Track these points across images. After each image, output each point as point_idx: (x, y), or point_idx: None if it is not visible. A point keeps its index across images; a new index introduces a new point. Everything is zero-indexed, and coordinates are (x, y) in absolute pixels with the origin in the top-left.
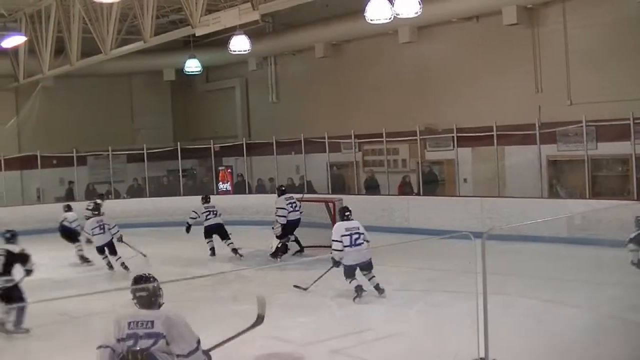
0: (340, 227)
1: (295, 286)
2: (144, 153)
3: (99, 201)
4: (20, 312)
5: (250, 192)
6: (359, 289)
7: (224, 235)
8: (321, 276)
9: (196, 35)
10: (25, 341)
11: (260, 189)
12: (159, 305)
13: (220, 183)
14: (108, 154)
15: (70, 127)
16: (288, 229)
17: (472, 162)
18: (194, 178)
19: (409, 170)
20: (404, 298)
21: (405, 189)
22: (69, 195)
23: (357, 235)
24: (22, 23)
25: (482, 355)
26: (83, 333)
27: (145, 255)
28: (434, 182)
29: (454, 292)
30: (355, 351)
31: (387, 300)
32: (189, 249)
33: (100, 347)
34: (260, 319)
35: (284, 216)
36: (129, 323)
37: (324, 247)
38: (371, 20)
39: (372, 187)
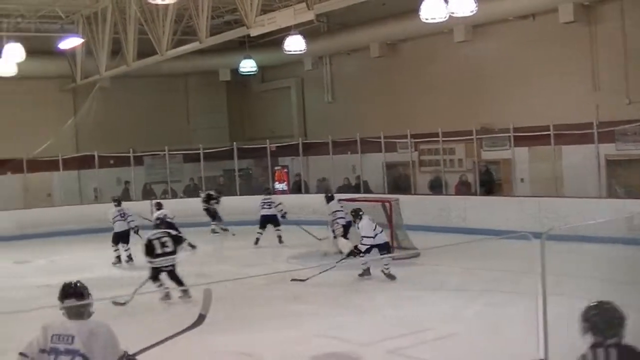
0: (368, 223)
1: (294, 279)
2: (200, 153)
3: (212, 192)
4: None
5: (307, 192)
6: (367, 271)
7: (276, 224)
8: (324, 271)
9: (251, 35)
10: None
11: (321, 189)
12: (89, 315)
13: (277, 183)
14: (165, 154)
15: (127, 128)
16: (346, 229)
17: (529, 161)
18: (250, 178)
19: (465, 170)
20: (461, 298)
21: (462, 188)
22: (125, 195)
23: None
24: (79, 25)
25: (542, 356)
26: (137, 330)
27: None
28: (490, 182)
29: (512, 292)
30: (412, 351)
31: (445, 301)
32: (245, 248)
33: (21, 354)
34: (201, 318)
35: (343, 217)
36: (52, 336)
37: None
38: (426, 19)
39: (437, 187)
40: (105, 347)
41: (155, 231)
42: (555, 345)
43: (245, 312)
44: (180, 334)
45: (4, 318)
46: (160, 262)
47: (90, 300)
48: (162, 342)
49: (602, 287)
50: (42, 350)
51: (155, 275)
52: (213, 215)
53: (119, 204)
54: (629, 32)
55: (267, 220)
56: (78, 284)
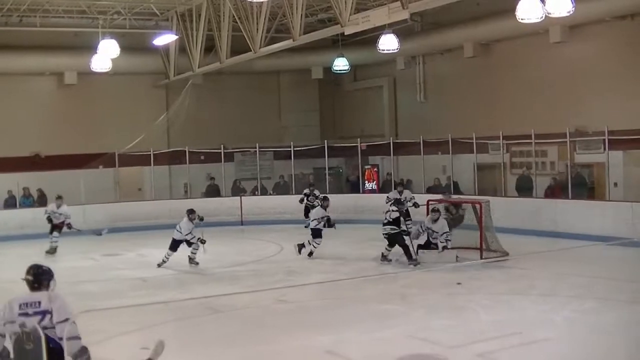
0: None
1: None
2: (290, 150)
3: (307, 191)
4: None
5: None
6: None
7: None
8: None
9: (345, 34)
10: (170, 334)
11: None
12: (47, 289)
13: (367, 182)
14: (255, 151)
15: (218, 124)
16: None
17: (623, 165)
18: (340, 176)
19: (557, 173)
20: (551, 303)
21: (550, 192)
22: (213, 191)
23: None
24: (174, 22)
25: None
26: (225, 327)
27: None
28: (582, 186)
29: (605, 299)
30: (501, 356)
31: (534, 305)
32: (334, 248)
33: None
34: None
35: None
36: (20, 305)
37: (472, 248)
38: (522, 19)
39: (525, 189)
40: (61, 306)
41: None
42: None
43: (336, 311)
44: None
45: (91, 312)
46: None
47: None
48: None
49: None
50: (11, 322)
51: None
52: (306, 213)
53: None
54: None
55: None
56: (41, 265)
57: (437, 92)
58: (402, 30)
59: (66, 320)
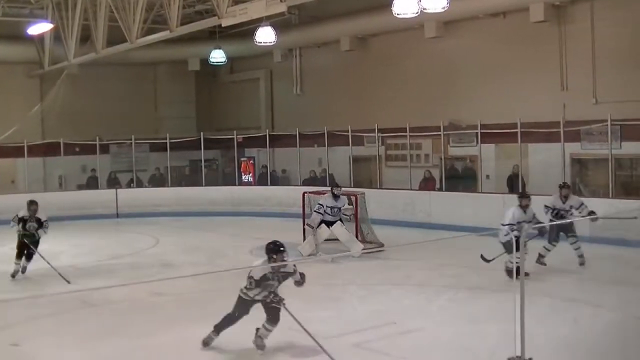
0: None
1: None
2: (166, 142)
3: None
4: None
5: (273, 184)
6: None
7: None
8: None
9: (222, 25)
10: (43, 329)
11: (285, 181)
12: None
13: (243, 174)
14: (131, 143)
15: (94, 115)
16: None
17: (495, 158)
18: (216, 169)
19: (431, 166)
20: (425, 293)
21: (425, 184)
22: (93, 183)
23: None
24: (49, 10)
25: (519, 354)
26: (100, 321)
27: None
28: (456, 178)
29: (477, 288)
30: (376, 345)
31: (409, 296)
32: (210, 240)
33: None
34: None
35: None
36: None
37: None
38: (398, 14)
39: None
40: None
41: None
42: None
43: (213, 304)
44: None
45: None
46: None
47: None
48: None
49: (567, 285)
50: None
51: None
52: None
53: None
54: (598, 33)
55: None
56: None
57: (313, 85)
58: (279, 23)
59: None
